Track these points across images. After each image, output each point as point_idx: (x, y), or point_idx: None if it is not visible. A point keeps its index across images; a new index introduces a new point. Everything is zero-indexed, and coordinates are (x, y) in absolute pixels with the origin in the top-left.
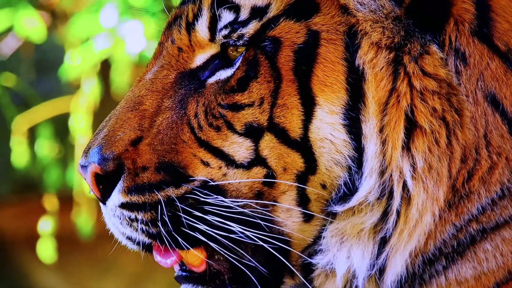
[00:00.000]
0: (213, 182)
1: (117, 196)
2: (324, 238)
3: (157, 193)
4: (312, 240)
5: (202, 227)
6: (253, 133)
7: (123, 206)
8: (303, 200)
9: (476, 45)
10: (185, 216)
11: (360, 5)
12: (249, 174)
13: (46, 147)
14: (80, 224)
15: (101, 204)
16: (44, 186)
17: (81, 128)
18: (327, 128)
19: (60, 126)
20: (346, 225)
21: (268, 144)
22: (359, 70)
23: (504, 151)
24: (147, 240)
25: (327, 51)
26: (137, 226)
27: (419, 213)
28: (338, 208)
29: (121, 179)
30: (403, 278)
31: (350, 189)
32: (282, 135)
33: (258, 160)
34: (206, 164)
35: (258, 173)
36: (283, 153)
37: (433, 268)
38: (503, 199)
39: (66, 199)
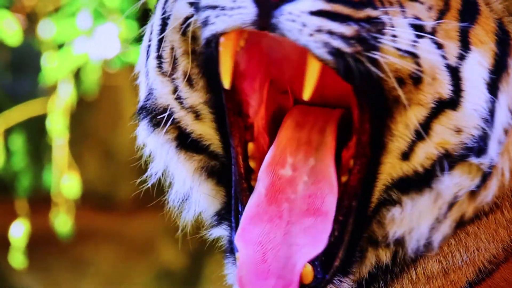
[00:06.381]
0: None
1: (312, 1)
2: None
3: (364, 9)
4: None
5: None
6: (416, 26)
7: (318, 13)
8: (426, 129)
9: None
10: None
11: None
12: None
13: (19, 150)
14: (58, 225)
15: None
16: (18, 190)
17: (58, 129)
18: (477, 74)
19: (35, 128)
20: (451, 186)
21: (424, 46)
22: (508, 46)
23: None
24: (326, 56)
25: (485, 22)
26: (323, 38)
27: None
28: (475, 160)
29: None
30: (378, 271)
31: (481, 147)
32: (439, 47)
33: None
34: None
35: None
36: (436, 65)
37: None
38: None
39: (43, 201)
